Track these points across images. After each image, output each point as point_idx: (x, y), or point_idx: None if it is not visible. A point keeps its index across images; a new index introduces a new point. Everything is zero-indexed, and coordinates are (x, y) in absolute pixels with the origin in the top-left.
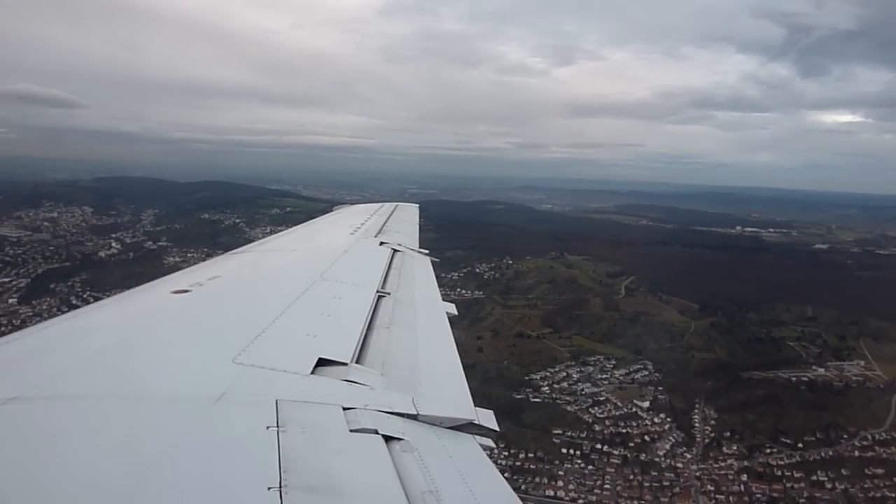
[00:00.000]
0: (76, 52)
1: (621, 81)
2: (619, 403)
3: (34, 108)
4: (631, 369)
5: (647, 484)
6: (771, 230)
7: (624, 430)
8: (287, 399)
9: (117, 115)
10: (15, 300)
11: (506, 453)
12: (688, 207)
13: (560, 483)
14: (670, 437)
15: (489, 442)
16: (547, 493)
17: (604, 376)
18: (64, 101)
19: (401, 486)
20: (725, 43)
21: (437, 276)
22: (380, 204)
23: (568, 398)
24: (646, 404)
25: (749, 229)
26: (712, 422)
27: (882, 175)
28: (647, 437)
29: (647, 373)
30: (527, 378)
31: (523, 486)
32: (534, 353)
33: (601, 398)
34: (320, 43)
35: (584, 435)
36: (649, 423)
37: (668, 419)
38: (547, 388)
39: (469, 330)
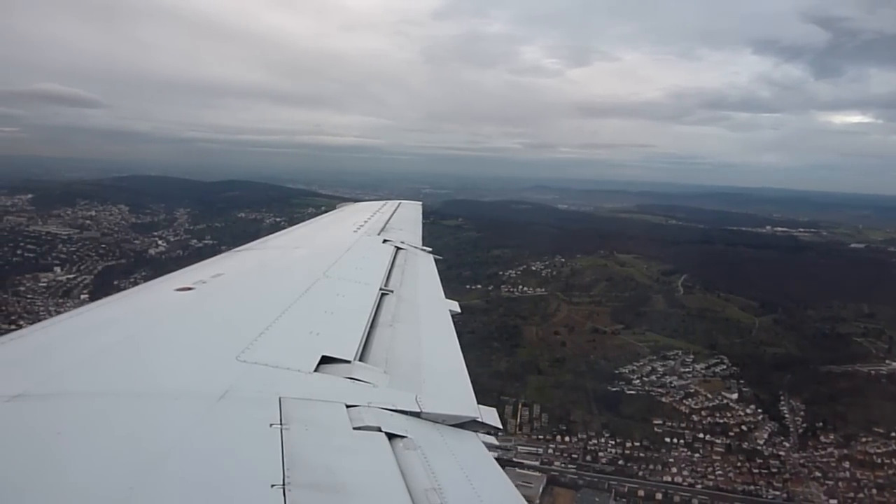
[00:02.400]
0: (92, 51)
1: (633, 82)
2: (709, 395)
3: (54, 108)
4: (709, 363)
5: (755, 471)
6: (801, 230)
7: (721, 421)
8: (290, 396)
9: (129, 114)
10: (87, 296)
11: (612, 442)
12: (706, 207)
13: (674, 469)
14: (766, 427)
15: (492, 439)
16: (664, 478)
17: (686, 370)
18: (86, 101)
19: (404, 483)
20: (771, 46)
21: (496, 274)
22: (383, 202)
23: (660, 390)
24: (734, 396)
25: (779, 229)
26: (801, 413)
27: (888, 176)
28: (743, 427)
29: (724, 367)
30: (616, 371)
31: (640, 473)
32: (613, 348)
33: (690, 390)
34: (365, 45)
35: (683, 425)
36: (742, 413)
37: (759, 410)
38: (637, 380)
39: (542, 326)
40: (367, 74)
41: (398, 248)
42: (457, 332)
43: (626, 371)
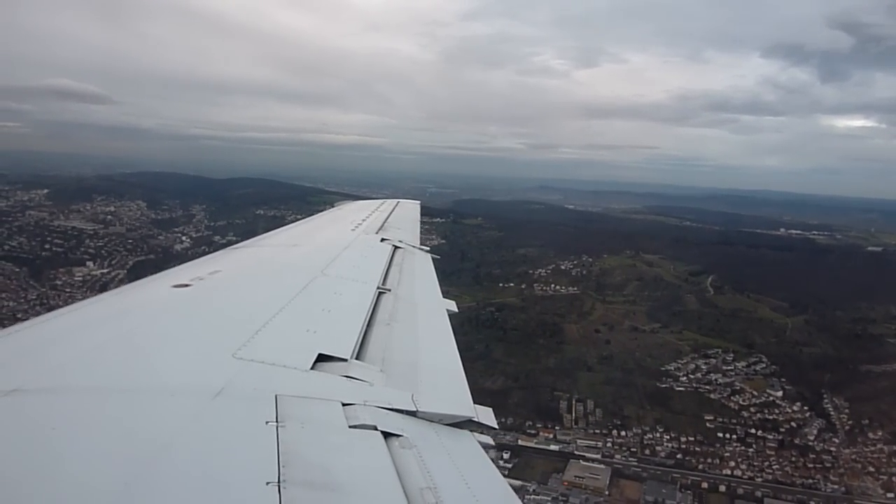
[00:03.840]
0: (98, 47)
1: (639, 84)
2: (755, 393)
3: (60, 104)
4: (749, 362)
5: (810, 465)
6: (815, 233)
7: (770, 417)
8: (286, 394)
9: (134, 111)
10: None
11: (667, 437)
12: (712, 209)
13: (732, 463)
14: (814, 424)
15: (488, 439)
16: (724, 472)
17: (728, 367)
18: (95, 97)
19: (399, 482)
20: (793, 52)
21: (526, 273)
22: (381, 200)
23: (707, 387)
24: (779, 393)
25: (793, 231)
26: (846, 410)
27: (891, 180)
28: (792, 424)
29: (764, 365)
30: (662, 369)
31: (700, 467)
32: (655, 346)
33: (736, 387)
34: (388, 46)
35: (734, 421)
36: (789, 410)
37: (805, 407)
38: (684, 377)
39: (581, 324)
40: (378, 74)
41: (396, 247)
42: (499, 328)
43: (672, 368)
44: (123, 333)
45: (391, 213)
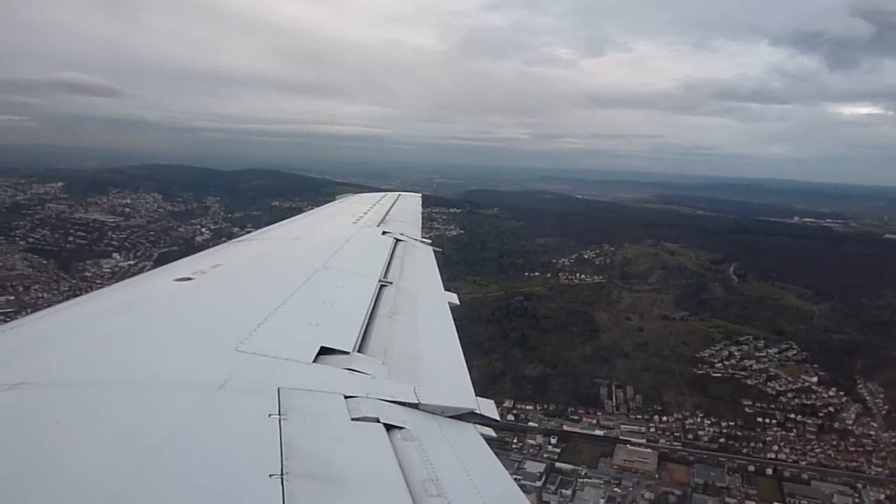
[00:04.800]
0: (102, 39)
1: (646, 72)
2: (790, 378)
3: (67, 97)
4: (780, 348)
5: (851, 449)
6: (828, 220)
7: (807, 402)
8: (289, 387)
9: (138, 103)
10: None
11: (708, 421)
12: (719, 198)
13: (775, 447)
14: (851, 409)
15: (490, 431)
16: (768, 455)
17: (760, 354)
18: (103, 90)
19: (402, 474)
20: (813, 39)
21: (550, 262)
22: (382, 193)
23: (742, 373)
24: (814, 379)
25: (807, 219)
26: (881, 395)
27: (892, 167)
28: (830, 408)
29: (795, 351)
30: (696, 355)
31: (745, 451)
32: (686, 333)
33: (771, 373)
34: (406, 36)
35: (772, 406)
36: (825, 395)
37: (841, 392)
38: (719, 364)
39: (611, 312)
40: (389, 66)
41: (397, 240)
42: (531, 317)
43: (706, 355)
44: (126, 327)
45: (392, 205)
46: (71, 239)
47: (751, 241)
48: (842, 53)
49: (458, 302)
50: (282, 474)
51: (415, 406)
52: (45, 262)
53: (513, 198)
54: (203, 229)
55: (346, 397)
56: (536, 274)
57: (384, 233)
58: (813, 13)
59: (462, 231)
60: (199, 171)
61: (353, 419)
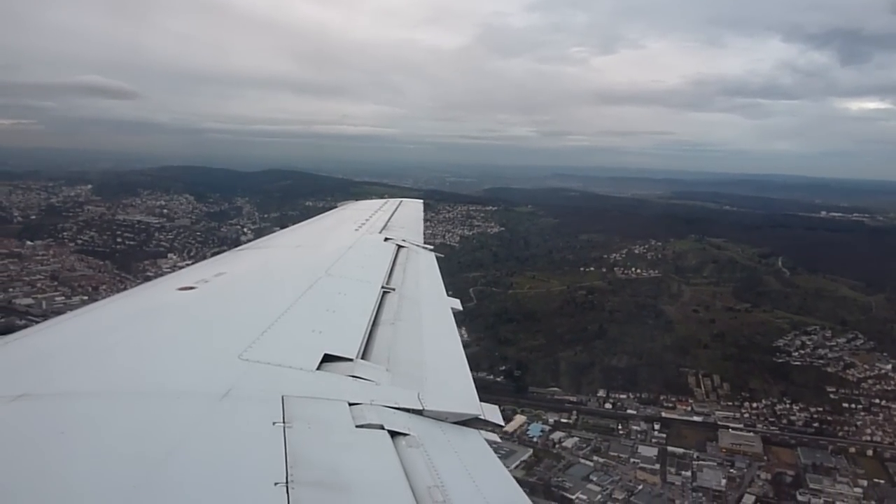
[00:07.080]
0: (115, 42)
1: (657, 70)
2: (867, 366)
3: (83, 100)
4: (847, 338)
5: None
6: (857, 215)
7: (888, 388)
8: (293, 395)
9: (150, 105)
10: None
11: (797, 407)
12: (735, 193)
13: (868, 430)
14: None
15: (495, 437)
16: (863, 438)
17: (831, 343)
18: (115, 92)
19: (407, 481)
20: (852, 36)
21: (601, 257)
22: (384, 200)
23: (820, 361)
24: (888, 366)
25: (835, 214)
26: None
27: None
28: None
29: (862, 341)
30: (772, 345)
31: (840, 434)
32: (755, 324)
33: (847, 361)
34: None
35: (856, 392)
36: None
37: None
38: (795, 353)
39: (675, 305)
40: (399, 65)
41: (399, 247)
42: (600, 310)
43: (781, 344)
44: (130, 336)
45: (394, 212)
46: (119, 240)
47: (791, 236)
48: (856, 48)
49: (461, 308)
50: (287, 482)
51: (419, 412)
52: (101, 262)
53: (542, 196)
54: (244, 229)
55: (351, 404)
56: (591, 269)
57: (386, 239)
58: (856, 12)
59: (502, 228)
60: (217, 172)
61: (357, 426)
